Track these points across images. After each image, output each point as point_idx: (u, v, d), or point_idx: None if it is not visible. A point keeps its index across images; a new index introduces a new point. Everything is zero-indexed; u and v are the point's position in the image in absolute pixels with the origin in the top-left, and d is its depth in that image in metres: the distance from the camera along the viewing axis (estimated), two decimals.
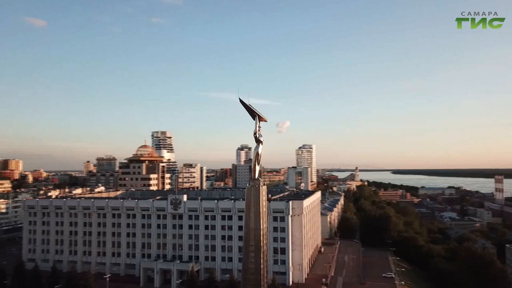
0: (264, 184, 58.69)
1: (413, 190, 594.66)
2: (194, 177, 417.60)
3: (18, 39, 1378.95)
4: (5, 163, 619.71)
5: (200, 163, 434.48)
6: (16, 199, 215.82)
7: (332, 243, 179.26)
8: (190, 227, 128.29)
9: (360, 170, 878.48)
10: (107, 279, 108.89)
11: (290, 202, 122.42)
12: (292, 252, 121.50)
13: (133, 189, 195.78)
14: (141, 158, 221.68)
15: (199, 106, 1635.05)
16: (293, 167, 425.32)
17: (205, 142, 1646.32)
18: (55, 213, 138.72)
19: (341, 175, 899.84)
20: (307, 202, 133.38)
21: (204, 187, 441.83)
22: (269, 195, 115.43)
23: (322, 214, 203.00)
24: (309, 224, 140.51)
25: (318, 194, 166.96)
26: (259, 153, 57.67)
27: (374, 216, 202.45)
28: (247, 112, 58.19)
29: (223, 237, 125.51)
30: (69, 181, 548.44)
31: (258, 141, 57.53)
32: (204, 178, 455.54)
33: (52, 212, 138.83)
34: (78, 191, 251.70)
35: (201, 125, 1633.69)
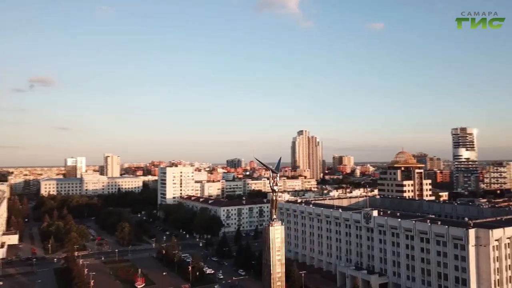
0: (282, 225, 72.32)
1: None
2: (504, 177, 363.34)
3: (361, 41, 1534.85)
4: (340, 159, 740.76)
5: None
6: (303, 196, 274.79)
7: None
8: (380, 241, 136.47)
9: None
10: (303, 275, 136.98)
11: (471, 230, 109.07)
12: (477, 286, 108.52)
13: (378, 196, 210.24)
14: (396, 165, 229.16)
15: None
16: None
17: None
18: (293, 214, 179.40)
19: None
20: (508, 231, 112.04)
21: None
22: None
23: None
24: None
25: None
26: (274, 200, 72.45)
27: None
28: None
29: (407, 256, 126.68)
30: None
31: (273, 191, 72.30)
32: None
33: (291, 214, 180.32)
34: (357, 192, 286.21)
35: None
